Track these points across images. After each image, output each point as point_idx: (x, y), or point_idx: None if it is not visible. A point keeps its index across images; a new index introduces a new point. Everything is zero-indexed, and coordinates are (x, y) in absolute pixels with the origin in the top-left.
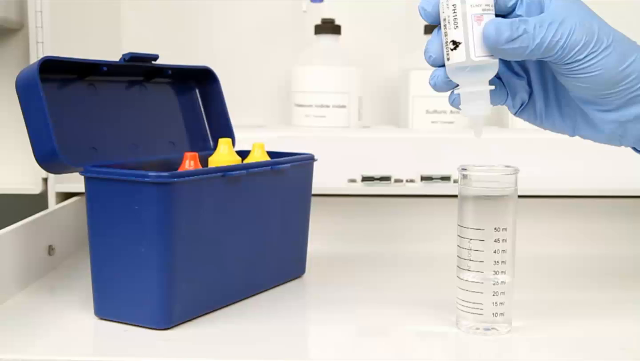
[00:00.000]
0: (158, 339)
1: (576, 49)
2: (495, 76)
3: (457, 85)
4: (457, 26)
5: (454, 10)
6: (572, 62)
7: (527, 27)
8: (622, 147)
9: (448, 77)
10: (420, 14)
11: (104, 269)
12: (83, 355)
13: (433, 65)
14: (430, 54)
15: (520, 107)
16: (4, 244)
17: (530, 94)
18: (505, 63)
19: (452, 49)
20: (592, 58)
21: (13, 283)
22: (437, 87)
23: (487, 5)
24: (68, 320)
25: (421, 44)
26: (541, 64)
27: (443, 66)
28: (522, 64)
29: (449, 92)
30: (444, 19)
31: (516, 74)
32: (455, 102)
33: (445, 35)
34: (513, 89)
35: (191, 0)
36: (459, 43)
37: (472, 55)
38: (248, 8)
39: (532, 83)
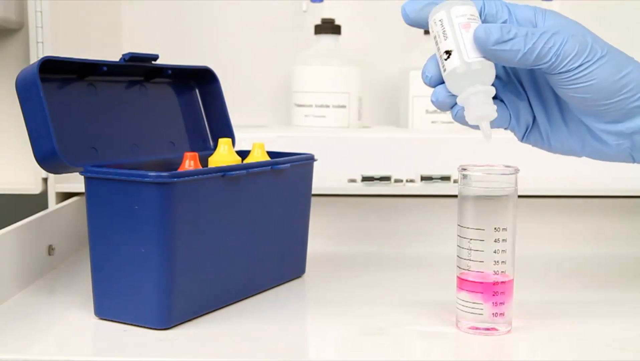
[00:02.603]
0: (158, 339)
1: (570, 57)
2: (496, 97)
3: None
4: (446, 37)
5: (441, 24)
6: (566, 72)
7: (518, 32)
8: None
9: (449, 92)
10: (404, 20)
11: (104, 269)
12: (83, 355)
13: (430, 85)
14: (427, 74)
15: (526, 132)
16: (4, 244)
17: (534, 116)
18: (502, 82)
19: (445, 59)
20: (587, 67)
21: (13, 283)
22: (438, 103)
23: (472, 15)
24: (68, 320)
25: (421, 44)
26: (538, 83)
27: (441, 83)
28: (520, 82)
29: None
30: (435, 37)
31: (515, 94)
32: (458, 115)
33: (438, 50)
34: (516, 110)
35: (191, 0)
36: (451, 51)
37: (465, 57)
38: (248, 8)
39: (532, 103)
